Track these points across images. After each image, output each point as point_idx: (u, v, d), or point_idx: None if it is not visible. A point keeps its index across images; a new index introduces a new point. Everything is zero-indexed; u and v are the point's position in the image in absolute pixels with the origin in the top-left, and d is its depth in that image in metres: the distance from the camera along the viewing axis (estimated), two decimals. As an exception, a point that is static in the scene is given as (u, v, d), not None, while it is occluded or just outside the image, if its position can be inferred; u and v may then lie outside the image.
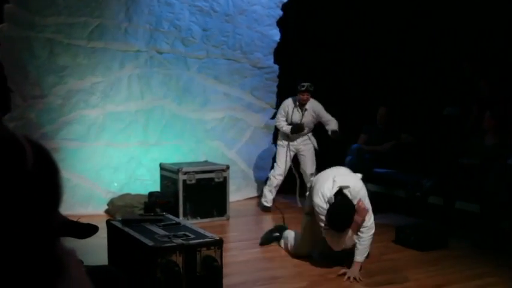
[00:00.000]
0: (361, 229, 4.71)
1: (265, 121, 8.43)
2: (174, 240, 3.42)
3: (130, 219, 4.00)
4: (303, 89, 7.22)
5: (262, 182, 8.16)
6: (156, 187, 7.14)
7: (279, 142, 7.60)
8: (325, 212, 4.64)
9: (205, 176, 6.81)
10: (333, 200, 4.63)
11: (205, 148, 7.86)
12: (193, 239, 3.49)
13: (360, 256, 4.77)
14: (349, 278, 4.68)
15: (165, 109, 7.58)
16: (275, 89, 8.49)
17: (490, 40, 7.86)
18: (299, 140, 7.49)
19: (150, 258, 3.31)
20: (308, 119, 7.39)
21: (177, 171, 6.71)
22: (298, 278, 4.81)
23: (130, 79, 7.32)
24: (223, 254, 3.85)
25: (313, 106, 7.39)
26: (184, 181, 6.68)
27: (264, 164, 8.39)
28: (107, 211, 6.88)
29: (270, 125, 8.40)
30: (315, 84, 7.29)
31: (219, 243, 3.51)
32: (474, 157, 6.42)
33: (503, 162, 6.07)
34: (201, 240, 3.48)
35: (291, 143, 7.49)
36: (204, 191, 6.77)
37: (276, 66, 8.43)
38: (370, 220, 4.76)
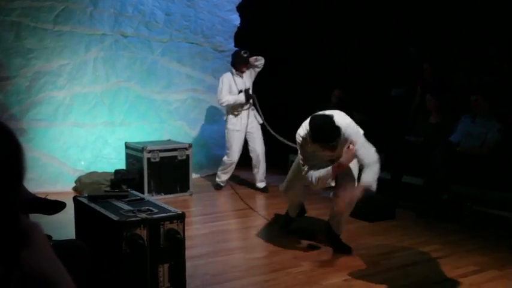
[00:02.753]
0: (366, 166, 4.23)
1: (226, 102, 8.40)
2: (138, 215, 3.39)
3: (96, 195, 3.94)
4: (246, 54, 6.73)
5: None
6: (121, 165, 7.08)
7: (228, 126, 6.92)
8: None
9: (168, 154, 6.77)
10: None
11: (169, 128, 7.81)
12: (157, 213, 3.46)
13: (366, 176, 4.20)
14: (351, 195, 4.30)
15: (130, 91, 7.50)
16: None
17: (434, 26, 7.98)
18: (250, 118, 6.88)
19: (115, 232, 3.27)
20: (250, 80, 6.91)
21: (141, 150, 6.66)
22: (258, 248, 4.85)
23: (96, 62, 7.22)
24: (187, 227, 3.85)
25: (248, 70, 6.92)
26: (148, 159, 6.63)
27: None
28: (74, 188, 6.81)
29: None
30: (274, 67, 7.30)
31: (181, 217, 3.49)
32: (419, 135, 6.54)
33: (445, 139, 6.20)
34: (164, 215, 3.46)
35: (242, 122, 6.86)
36: (168, 169, 6.73)
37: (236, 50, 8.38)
38: (371, 156, 4.23)
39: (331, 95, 7.91)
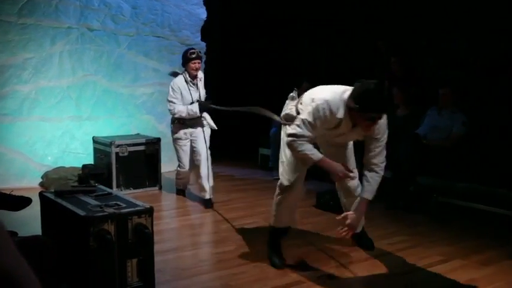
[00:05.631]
0: (378, 169, 3.91)
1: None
2: (105, 210, 3.36)
3: (62, 190, 3.89)
4: (194, 55, 5.95)
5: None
6: (89, 160, 7.01)
7: (175, 136, 6.18)
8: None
9: (137, 149, 6.73)
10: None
11: (137, 122, 7.76)
12: (125, 208, 3.44)
13: (369, 192, 3.91)
14: (347, 226, 3.84)
15: (97, 85, 7.42)
16: (203, 65, 8.41)
17: (402, 19, 8.05)
18: (197, 125, 6.13)
19: (82, 227, 3.24)
20: (204, 91, 6.23)
21: (109, 144, 6.60)
22: (227, 242, 4.85)
23: (62, 55, 7.11)
24: (156, 222, 3.84)
25: (201, 76, 6.24)
26: (117, 153, 6.58)
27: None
28: (41, 184, 6.72)
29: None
30: (241, 61, 7.27)
31: (149, 211, 3.47)
32: (387, 127, 6.60)
33: (412, 132, 6.29)
34: (132, 209, 3.43)
35: (189, 130, 6.13)
36: (137, 163, 6.70)
37: (203, 44, 8.35)
38: (383, 160, 3.95)
39: (299, 88, 7.93)
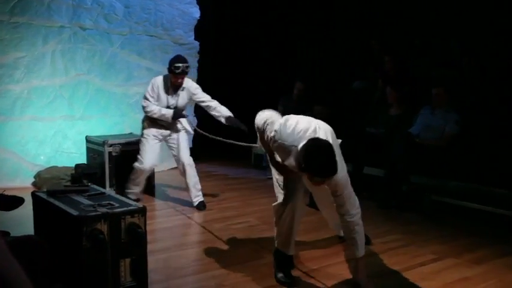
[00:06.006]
0: (345, 217, 3.60)
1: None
2: (98, 209, 3.35)
3: (55, 190, 3.87)
4: (178, 71, 5.66)
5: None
6: (82, 159, 6.99)
7: (145, 131, 5.97)
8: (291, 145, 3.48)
9: (130, 148, 6.69)
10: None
11: (130, 121, 7.73)
12: (118, 207, 3.43)
13: (360, 249, 3.66)
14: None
15: (90, 84, 7.40)
16: (196, 64, 8.42)
17: (395, 19, 8.08)
18: (170, 127, 5.96)
19: (75, 227, 3.23)
20: (184, 101, 5.95)
21: (102, 144, 6.59)
22: (220, 241, 4.84)
23: (54, 54, 7.09)
24: (149, 221, 3.83)
25: (189, 86, 5.94)
26: (110, 153, 6.56)
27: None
28: (34, 184, 6.70)
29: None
30: (236, 59, 7.25)
31: (142, 211, 3.47)
32: (380, 127, 6.63)
33: (405, 131, 6.31)
34: (125, 209, 3.42)
35: (161, 132, 5.96)
36: (130, 162, 6.64)
37: (197, 43, 8.35)
38: (353, 204, 3.63)
39: (293, 88, 7.96)
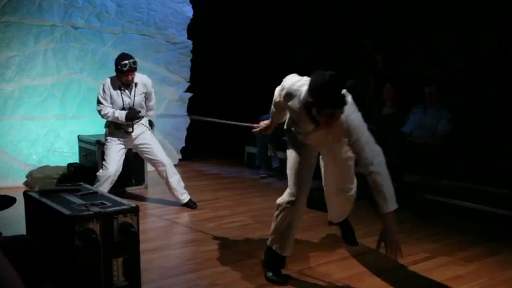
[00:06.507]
0: (368, 167, 3.37)
1: (179, 94, 8.36)
2: (91, 209, 3.34)
3: (47, 189, 3.87)
4: (126, 68, 5.44)
5: (178, 151, 8.16)
6: (75, 159, 6.99)
7: (107, 137, 5.77)
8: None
9: (122, 147, 6.69)
10: None
11: (123, 120, 7.71)
12: (110, 206, 3.43)
13: (390, 202, 3.40)
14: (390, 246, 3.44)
15: (82, 83, 7.39)
16: (189, 63, 8.41)
17: (388, 18, 8.10)
18: (138, 129, 5.75)
19: (67, 226, 3.22)
20: (139, 98, 5.73)
21: (95, 143, 6.58)
22: (214, 240, 4.84)
23: (46, 53, 7.08)
24: (142, 220, 3.83)
25: (145, 82, 5.76)
26: (102, 152, 6.54)
27: (179, 134, 8.33)
28: (26, 183, 6.68)
29: (184, 98, 8.37)
30: (227, 59, 7.24)
31: (135, 210, 3.46)
32: (372, 125, 6.64)
33: (397, 130, 6.33)
34: (118, 208, 3.42)
35: (124, 139, 5.72)
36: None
37: (190, 42, 8.34)
38: (373, 150, 3.42)
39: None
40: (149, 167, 7.01)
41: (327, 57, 8.74)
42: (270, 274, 3.89)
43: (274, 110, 4.00)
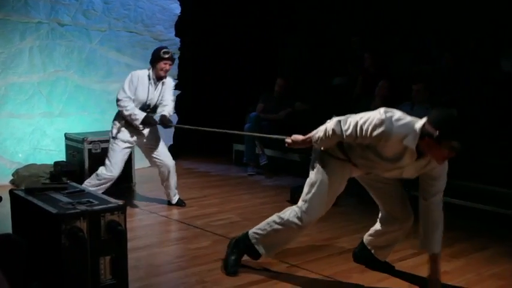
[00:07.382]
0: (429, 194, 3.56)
1: (167, 91, 8.32)
2: (77, 207, 3.33)
3: (33, 188, 3.84)
4: (167, 56, 5.36)
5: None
6: (61, 157, 6.95)
7: (117, 135, 5.60)
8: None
9: (110, 145, 6.66)
10: None
11: (110, 118, 7.61)
12: (97, 205, 3.41)
13: (437, 244, 3.62)
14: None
15: (68, 80, 7.34)
16: (176, 61, 8.38)
17: (375, 16, 8.14)
18: (146, 130, 5.61)
19: (54, 225, 3.20)
20: (169, 95, 5.65)
21: (82, 141, 6.55)
22: (202, 238, 4.85)
23: (32, 50, 7.02)
24: (130, 218, 3.82)
25: (170, 84, 5.71)
26: (89, 150, 6.53)
27: (167, 131, 8.27)
28: (12, 182, 6.64)
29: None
30: (216, 56, 7.23)
31: (122, 208, 3.45)
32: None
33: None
34: (105, 206, 3.40)
35: (135, 135, 5.62)
36: (110, 160, 6.63)
37: (177, 39, 8.31)
38: (444, 183, 3.59)
39: (274, 84, 7.97)
40: (137, 165, 7.01)
41: (315, 55, 8.77)
42: (233, 258, 3.96)
43: (336, 141, 3.68)
